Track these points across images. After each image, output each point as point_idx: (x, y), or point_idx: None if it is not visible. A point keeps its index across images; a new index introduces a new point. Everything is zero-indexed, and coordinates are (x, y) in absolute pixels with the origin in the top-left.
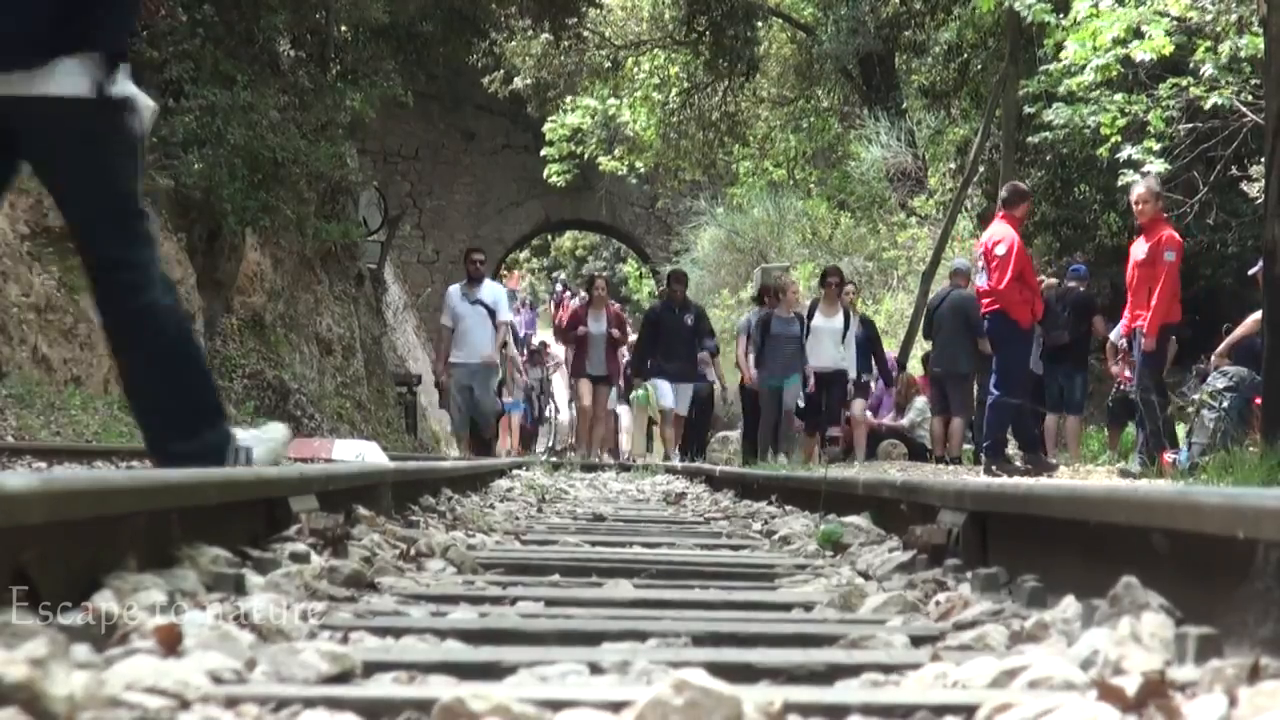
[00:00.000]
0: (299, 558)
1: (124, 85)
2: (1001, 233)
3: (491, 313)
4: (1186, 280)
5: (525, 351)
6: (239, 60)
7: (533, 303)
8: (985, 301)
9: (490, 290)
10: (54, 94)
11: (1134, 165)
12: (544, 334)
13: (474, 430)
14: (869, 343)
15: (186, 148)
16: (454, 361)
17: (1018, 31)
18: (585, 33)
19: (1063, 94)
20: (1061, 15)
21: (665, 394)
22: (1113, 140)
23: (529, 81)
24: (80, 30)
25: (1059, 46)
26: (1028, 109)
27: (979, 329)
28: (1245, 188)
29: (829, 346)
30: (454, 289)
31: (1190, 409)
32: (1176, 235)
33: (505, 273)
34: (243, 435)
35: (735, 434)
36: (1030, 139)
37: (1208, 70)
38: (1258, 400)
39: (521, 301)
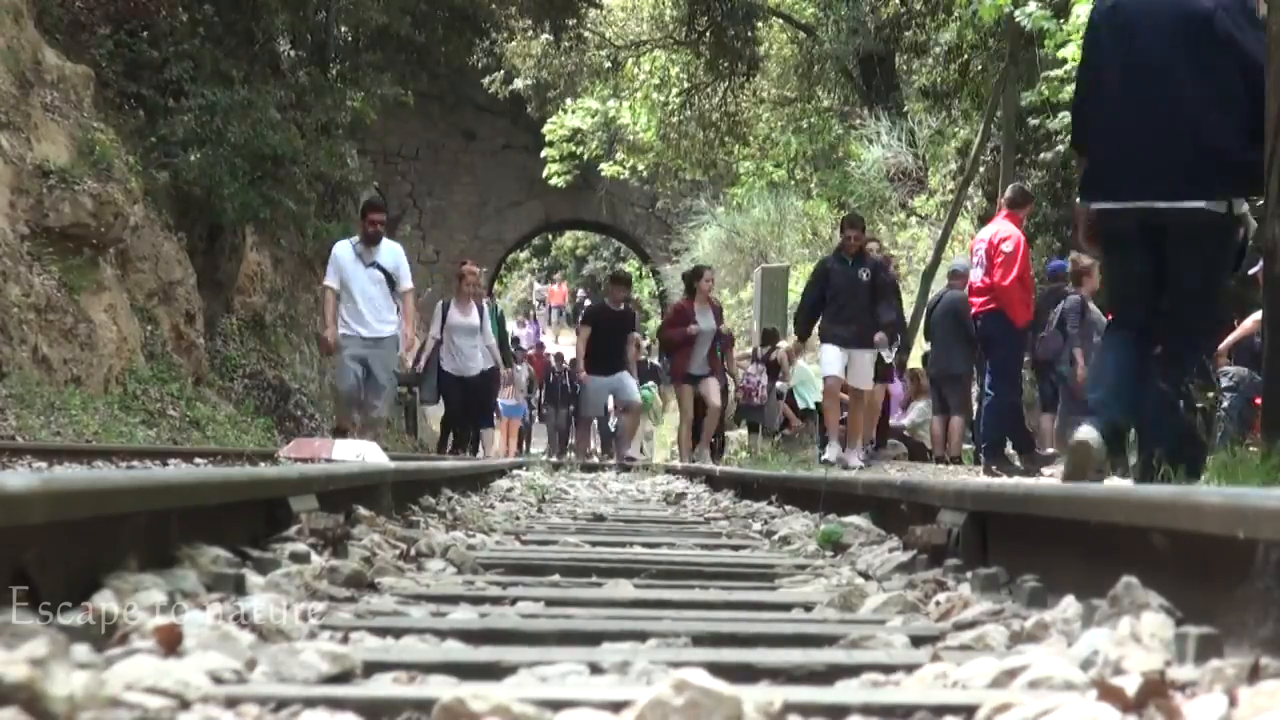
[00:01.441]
0: (299, 558)
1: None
2: (1008, 231)
3: (391, 279)
4: None
5: (523, 354)
6: (239, 60)
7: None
8: (981, 300)
9: (390, 253)
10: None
11: None
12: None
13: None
14: None
15: (186, 146)
16: (345, 333)
17: (1018, 32)
18: (585, 33)
19: (1065, 101)
20: (1062, 20)
21: (832, 362)
22: None
23: (529, 82)
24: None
25: (1059, 47)
26: (1032, 121)
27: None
28: None
29: None
30: (344, 245)
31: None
32: None
33: (552, 288)
34: None
35: (735, 434)
36: (1044, 156)
37: None
38: (1258, 400)
39: (527, 313)
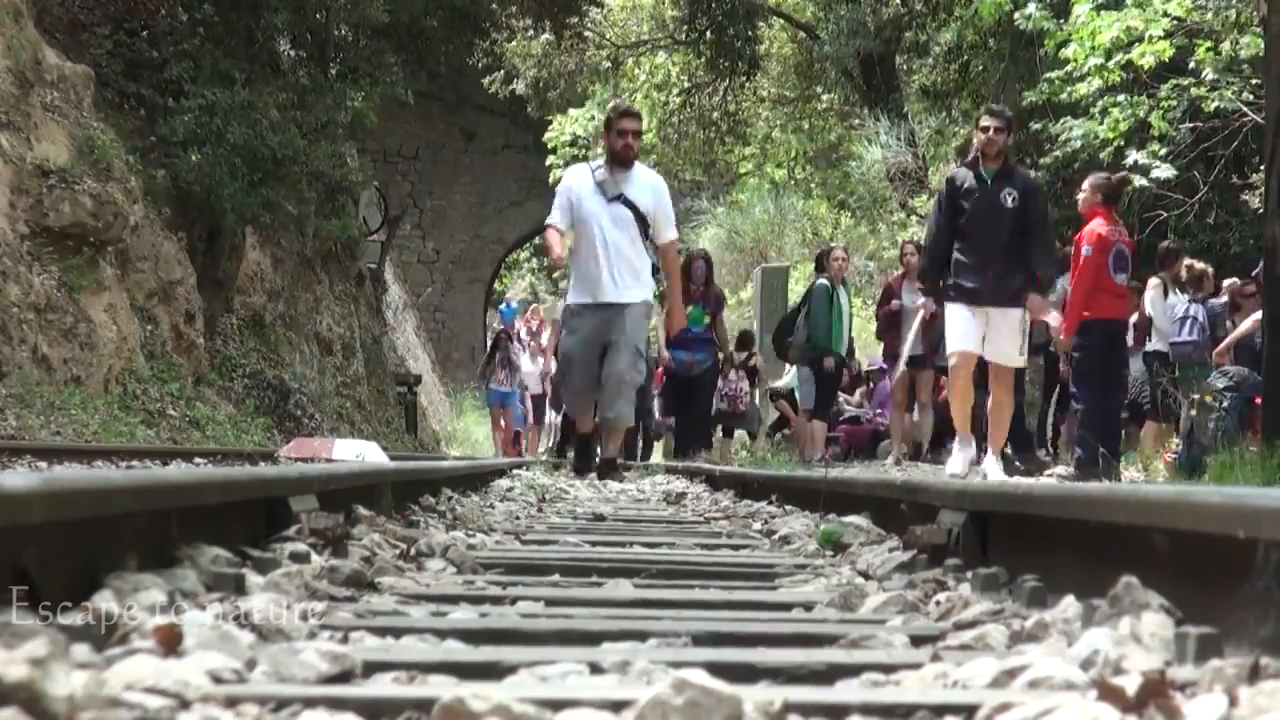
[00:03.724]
0: (299, 558)
1: None
2: None
3: (643, 221)
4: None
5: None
6: (239, 59)
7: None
8: None
9: (645, 185)
10: None
11: (1142, 171)
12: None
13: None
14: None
15: (186, 146)
16: (574, 302)
17: (1018, 32)
18: (586, 33)
19: (1066, 102)
20: (1062, 21)
21: (964, 332)
22: (1116, 144)
23: (529, 82)
24: None
25: (1060, 46)
26: (1034, 125)
27: None
28: (1246, 197)
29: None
30: (580, 171)
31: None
32: (1100, 230)
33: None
34: None
35: (735, 434)
36: (1043, 160)
37: (1208, 74)
38: (1258, 399)
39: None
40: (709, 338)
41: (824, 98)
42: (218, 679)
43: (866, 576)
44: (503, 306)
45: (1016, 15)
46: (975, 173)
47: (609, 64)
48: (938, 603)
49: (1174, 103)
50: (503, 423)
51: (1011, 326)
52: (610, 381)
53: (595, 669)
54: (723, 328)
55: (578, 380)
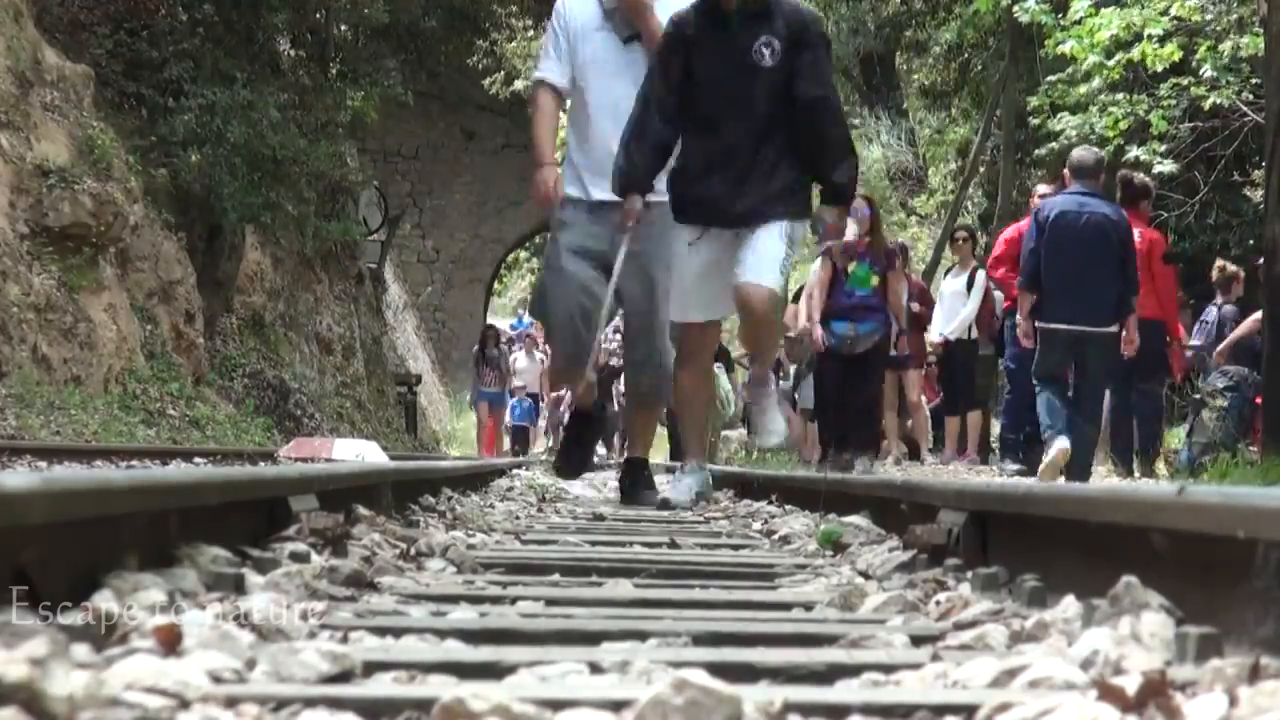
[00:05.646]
0: (299, 557)
1: None
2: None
3: None
4: (1189, 280)
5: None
6: (239, 59)
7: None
8: (1009, 302)
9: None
10: None
11: (1144, 168)
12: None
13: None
14: None
15: (186, 146)
16: (570, 194)
17: (1018, 31)
18: None
19: (1069, 104)
20: (1060, 16)
21: (690, 274)
22: (1115, 142)
23: (529, 82)
24: None
25: (1059, 44)
26: (1033, 121)
27: None
28: (1249, 193)
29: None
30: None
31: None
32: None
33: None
34: None
35: (734, 434)
36: (1039, 151)
37: (1207, 72)
38: (1258, 399)
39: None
40: (877, 304)
41: None
42: (218, 679)
43: (866, 576)
44: (514, 319)
45: (1015, 8)
46: (707, 9)
47: None
48: (938, 602)
49: (1174, 102)
50: (490, 424)
51: (770, 235)
52: (640, 337)
53: (595, 669)
54: (896, 291)
55: (562, 316)
